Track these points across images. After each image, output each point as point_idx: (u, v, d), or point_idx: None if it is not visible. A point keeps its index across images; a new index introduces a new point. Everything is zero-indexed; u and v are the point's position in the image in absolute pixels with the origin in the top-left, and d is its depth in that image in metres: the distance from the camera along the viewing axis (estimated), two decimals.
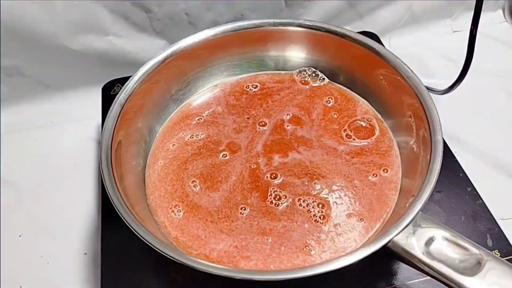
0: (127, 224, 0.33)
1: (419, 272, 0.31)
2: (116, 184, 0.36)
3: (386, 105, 0.44)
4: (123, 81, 0.44)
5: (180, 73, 0.47)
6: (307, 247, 0.36)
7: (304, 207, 0.39)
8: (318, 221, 0.38)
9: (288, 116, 0.46)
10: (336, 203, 0.39)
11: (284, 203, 0.39)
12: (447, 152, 0.46)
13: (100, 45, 0.58)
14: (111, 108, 0.40)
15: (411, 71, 0.41)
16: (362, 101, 0.46)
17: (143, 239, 0.32)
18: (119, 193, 0.35)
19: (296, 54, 0.49)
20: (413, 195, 0.34)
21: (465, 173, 0.44)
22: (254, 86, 0.49)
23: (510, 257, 0.39)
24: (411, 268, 0.31)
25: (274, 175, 0.41)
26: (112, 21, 0.57)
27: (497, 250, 0.39)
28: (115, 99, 0.41)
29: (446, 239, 0.31)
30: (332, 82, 0.48)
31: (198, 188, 0.41)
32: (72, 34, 0.56)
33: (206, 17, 0.59)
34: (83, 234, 0.48)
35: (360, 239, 0.37)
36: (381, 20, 0.64)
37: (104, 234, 0.43)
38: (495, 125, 0.53)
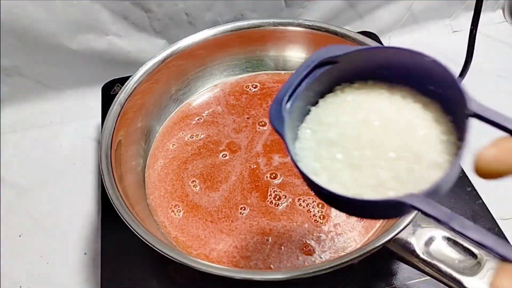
0: (127, 224, 0.33)
1: (419, 272, 0.31)
2: (116, 184, 0.36)
3: None
4: (123, 81, 0.44)
5: (180, 73, 0.47)
6: (307, 247, 0.36)
7: (304, 207, 0.39)
8: (318, 221, 0.38)
9: None
10: None
11: (284, 203, 0.39)
12: None
13: (100, 45, 0.58)
14: (111, 108, 0.40)
15: None
16: None
17: (143, 239, 0.32)
18: (119, 193, 0.35)
19: (296, 54, 0.49)
20: None
21: (465, 173, 0.44)
22: (254, 86, 0.49)
23: None
24: (411, 268, 0.31)
25: (274, 175, 0.41)
26: (112, 21, 0.57)
27: None
28: (115, 99, 0.41)
29: (446, 239, 0.31)
30: None
31: (198, 188, 0.41)
32: (72, 34, 0.56)
33: (206, 17, 0.59)
34: (83, 234, 0.48)
35: (360, 239, 0.37)
36: (381, 20, 0.64)
37: (104, 234, 0.43)
38: None
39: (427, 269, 0.30)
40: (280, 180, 0.40)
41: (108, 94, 0.54)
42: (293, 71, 0.24)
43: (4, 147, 0.57)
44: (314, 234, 0.37)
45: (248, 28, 0.47)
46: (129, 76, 0.43)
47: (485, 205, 0.42)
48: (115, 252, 0.41)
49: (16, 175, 0.54)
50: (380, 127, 0.21)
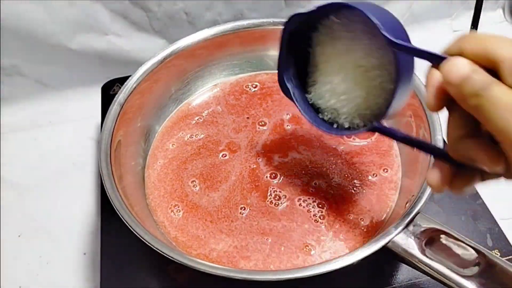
0: (127, 224, 0.33)
1: (419, 272, 0.31)
2: (115, 184, 0.36)
3: None
4: (122, 80, 0.44)
5: (179, 73, 0.47)
6: (307, 247, 0.36)
7: (304, 207, 0.38)
8: (318, 221, 0.38)
9: (288, 115, 0.46)
10: (336, 203, 0.39)
11: (284, 203, 0.39)
12: None
13: (99, 44, 0.58)
14: (110, 108, 0.40)
15: None
16: None
17: (142, 239, 0.32)
18: (118, 193, 0.35)
19: None
20: (413, 195, 0.34)
21: None
22: (253, 85, 0.49)
23: (510, 257, 0.39)
24: (411, 268, 0.31)
25: (274, 175, 0.41)
26: (111, 21, 0.57)
27: (497, 250, 0.39)
28: (115, 98, 0.41)
29: (446, 239, 0.31)
30: None
31: (197, 188, 0.41)
32: (72, 34, 0.56)
33: (206, 17, 0.59)
34: (82, 234, 0.48)
35: (360, 239, 0.37)
36: None
37: (104, 234, 0.43)
38: None
39: (427, 269, 0.30)
40: (280, 180, 0.40)
41: (108, 94, 0.54)
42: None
43: (4, 147, 0.57)
44: (314, 234, 0.37)
45: (248, 27, 0.47)
46: (129, 76, 0.43)
47: (485, 205, 0.42)
48: (114, 252, 0.41)
49: (16, 175, 0.54)
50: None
